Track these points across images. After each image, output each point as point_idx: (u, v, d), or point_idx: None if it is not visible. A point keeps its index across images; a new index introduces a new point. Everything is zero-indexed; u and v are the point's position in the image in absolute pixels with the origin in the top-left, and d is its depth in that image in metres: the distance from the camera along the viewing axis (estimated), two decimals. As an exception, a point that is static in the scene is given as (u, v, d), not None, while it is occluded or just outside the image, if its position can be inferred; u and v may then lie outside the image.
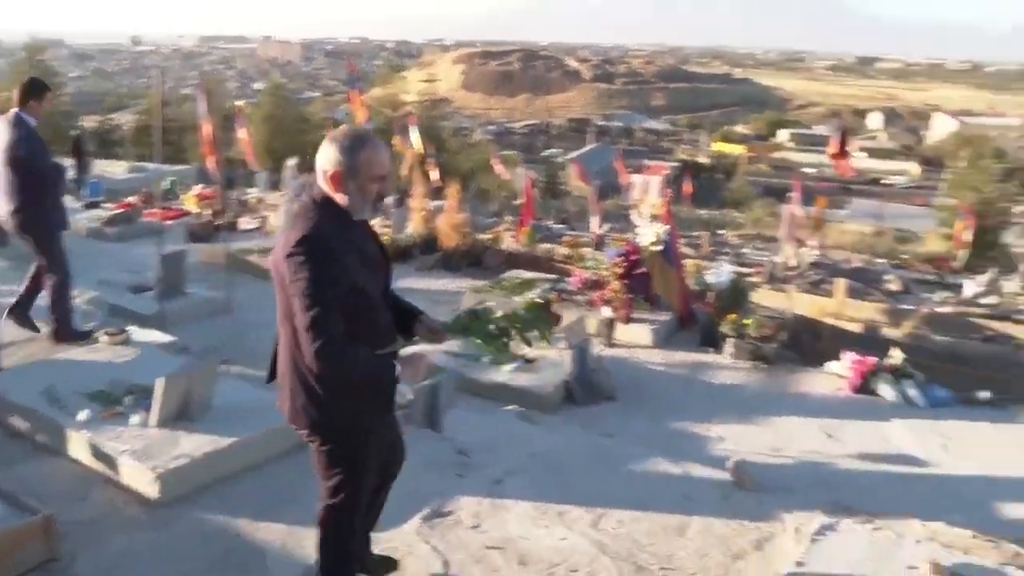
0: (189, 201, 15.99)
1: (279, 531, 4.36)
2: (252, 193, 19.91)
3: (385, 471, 3.62)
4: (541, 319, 3.84)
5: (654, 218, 10.55)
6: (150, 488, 4.59)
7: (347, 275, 3.08)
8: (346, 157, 3.12)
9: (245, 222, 15.24)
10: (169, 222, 14.40)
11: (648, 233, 10.32)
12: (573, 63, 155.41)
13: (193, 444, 4.90)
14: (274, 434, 5.15)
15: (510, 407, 6.80)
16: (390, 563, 4.04)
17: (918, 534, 4.71)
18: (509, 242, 14.72)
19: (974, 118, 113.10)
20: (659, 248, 10.05)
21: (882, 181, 71.93)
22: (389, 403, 3.37)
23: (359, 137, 3.19)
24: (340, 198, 3.16)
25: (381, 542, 4.23)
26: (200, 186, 16.82)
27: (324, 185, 3.17)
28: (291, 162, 21.45)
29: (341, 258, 3.07)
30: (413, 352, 3.28)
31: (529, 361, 7.95)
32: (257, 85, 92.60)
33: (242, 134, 20.68)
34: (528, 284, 10.83)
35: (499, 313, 3.71)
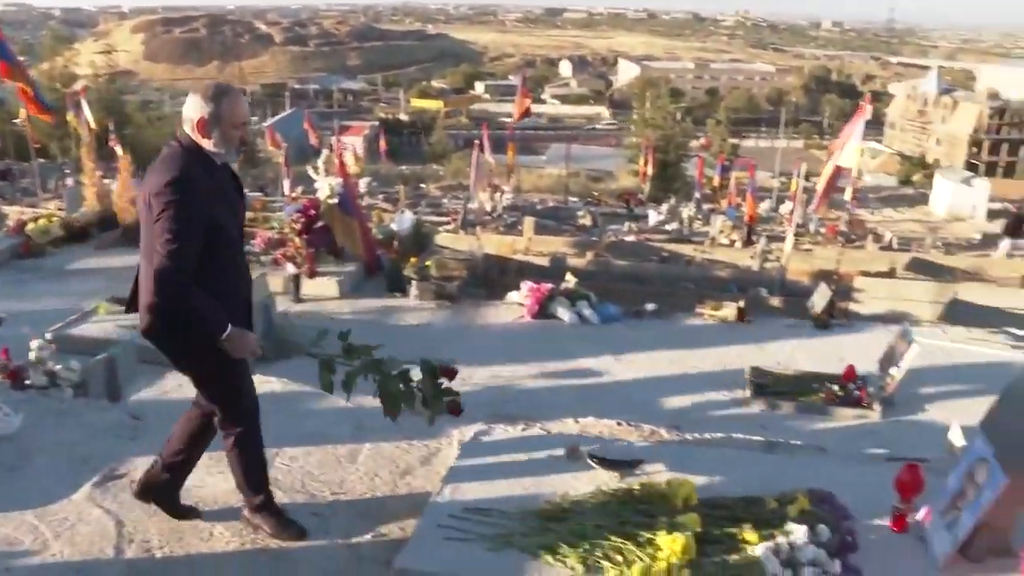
0: None
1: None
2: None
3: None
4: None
5: (328, 173, 10.65)
6: None
7: (208, 214, 3.41)
8: (211, 105, 3.44)
9: None
10: None
11: (323, 187, 10.45)
12: (263, 27, 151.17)
13: None
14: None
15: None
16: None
17: (570, 429, 5.26)
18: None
19: (655, 62, 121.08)
20: (335, 201, 10.21)
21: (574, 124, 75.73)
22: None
23: (222, 88, 3.55)
24: (205, 143, 3.49)
25: (47, 516, 4.18)
26: None
27: (191, 132, 3.49)
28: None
29: (204, 198, 3.40)
30: (244, 331, 3.60)
31: (214, 325, 7.90)
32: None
33: None
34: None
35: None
